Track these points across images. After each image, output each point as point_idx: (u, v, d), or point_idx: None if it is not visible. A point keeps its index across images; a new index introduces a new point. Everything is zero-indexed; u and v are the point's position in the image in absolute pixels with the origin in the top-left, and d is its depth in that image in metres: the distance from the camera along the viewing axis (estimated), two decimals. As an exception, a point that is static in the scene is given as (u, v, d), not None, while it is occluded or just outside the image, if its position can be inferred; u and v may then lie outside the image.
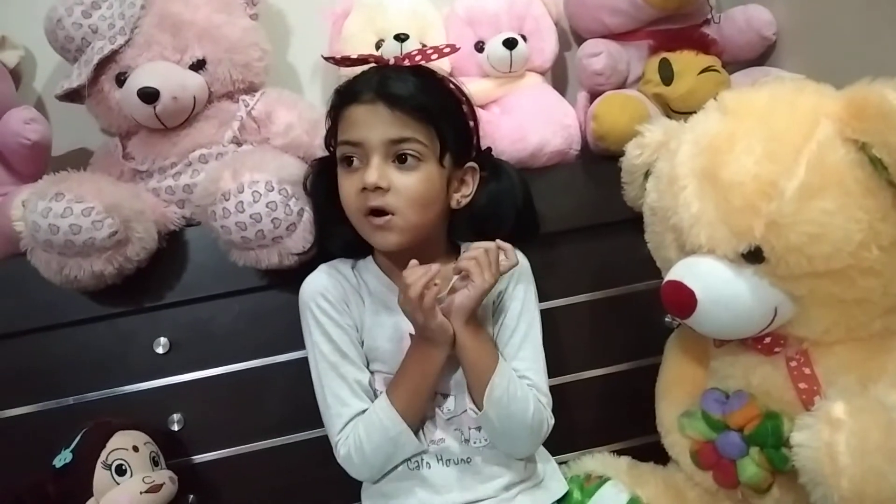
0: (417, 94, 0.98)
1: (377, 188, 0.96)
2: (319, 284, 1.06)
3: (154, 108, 1.18)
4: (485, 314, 1.07)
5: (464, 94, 1.08)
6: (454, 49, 1.07)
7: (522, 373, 1.04)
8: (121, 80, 1.22)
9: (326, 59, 1.08)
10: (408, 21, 1.36)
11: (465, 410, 1.04)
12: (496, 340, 1.07)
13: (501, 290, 1.08)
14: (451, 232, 1.11)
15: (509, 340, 1.06)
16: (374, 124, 0.97)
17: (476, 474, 1.05)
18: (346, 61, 1.05)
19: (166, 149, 1.23)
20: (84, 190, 1.05)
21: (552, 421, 1.05)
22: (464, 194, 1.06)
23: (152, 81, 1.17)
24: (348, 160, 1.00)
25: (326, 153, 1.09)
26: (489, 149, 1.14)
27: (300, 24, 1.53)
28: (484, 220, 1.07)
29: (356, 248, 1.09)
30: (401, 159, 0.98)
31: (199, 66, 1.24)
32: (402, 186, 0.97)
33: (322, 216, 1.11)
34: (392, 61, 1.03)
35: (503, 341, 1.07)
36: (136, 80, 1.18)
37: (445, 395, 1.05)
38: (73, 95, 1.26)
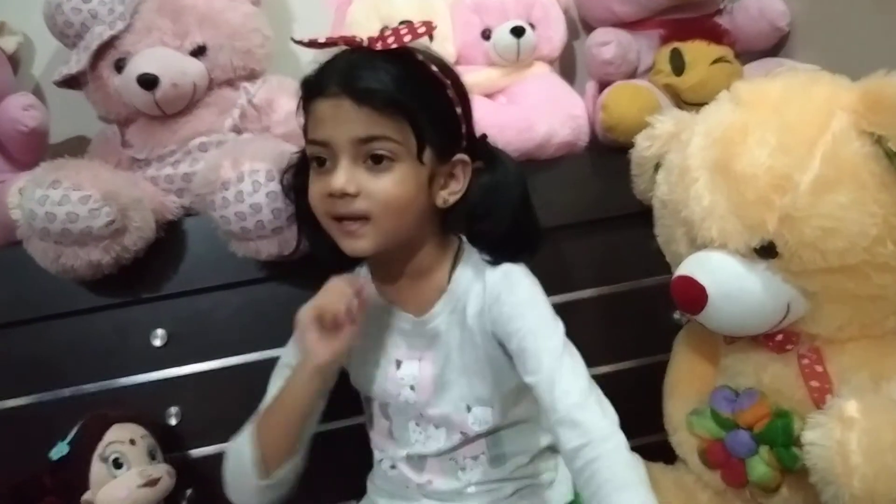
0: (388, 86, 0.87)
1: (345, 194, 0.87)
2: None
3: (153, 94, 1.16)
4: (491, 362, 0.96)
5: (450, 77, 0.93)
6: (430, 28, 0.93)
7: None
8: (120, 66, 1.20)
9: (296, 41, 0.96)
10: (413, 8, 1.34)
11: (460, 445, 1.00)
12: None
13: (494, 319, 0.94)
14: (449, 228, 1.00)
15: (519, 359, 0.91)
16: (339, 122, 0.87)
17: (475, 492, 1.01)
18: (314, 45, 0.93)
19: (165, 136, 1.21)
20: (82, 178, 1.03)
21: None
22: (452, 191, 0.94)
23: (152, 68, 1.15)
24: (318, 160, 0.91)
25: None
26: (484, 136, 1.01)
27: (303, 10, 1.51)
28: (476, 219, 0.95)
29: (343, 254, 1.00)
30: (373, 159, 0.87)
31: (199, 52, 1.22)
32: (374, 190, 0.87)
33: (303, 219, 1.02)
34: (366, 42, 0.91)
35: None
36: (136, 67, 1.16)
37: (437, 427, 1.01)
38: (71, 82, 1.24)
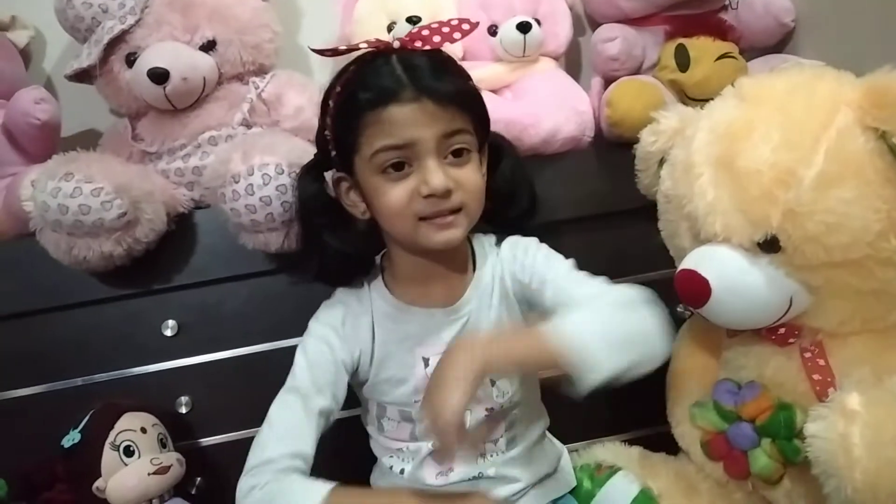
0: (457, 84, 0.91)
1: (446, 191, 0.89)
2: (331, 318, 1.01)
3: (164, 88, 1.17)
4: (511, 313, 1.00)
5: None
6: (473, 26, 0.93)
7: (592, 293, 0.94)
8: (130, 60, 1.21)
9: (315, 51, 0.99)
10: (420, 3, 1.35)
11: (485, 421, 1.00)
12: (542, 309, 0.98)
13: (515, 274, 1.00)
14: None
15: (554, 287, 0.97)
16: (424, 123, 0.88)
17: (490, 482, 1.01)
18: (338, 52, 0.95)
19: (176, 130, 1.22)
20: (94, 170, 1.05)
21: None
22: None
23: (162, 62, 1.16)
24: (396, 166, 0.89)
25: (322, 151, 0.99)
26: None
27: (311, 5, 1.52)
28: (504, 202, 1.02)
29: (337, 275, 1.03)
30: (455, 153, 0.90)
31: (209, 46, 1.23)
32: (465, 181, 0.91)
33: (311, 233, 1.02)
34: (397, 44, 0.91)
35: (550, 299, 0.97)
36: (146, 61, 1.17)
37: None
38: (82, 76, 1.25)
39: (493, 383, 1.00)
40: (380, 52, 0.92)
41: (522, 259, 1.00)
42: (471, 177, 0.92)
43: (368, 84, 0.90)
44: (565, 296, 0.95)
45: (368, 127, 0.89)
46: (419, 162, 0.89)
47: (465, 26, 0.93)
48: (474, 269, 1.02)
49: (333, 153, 0.95)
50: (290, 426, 0.94)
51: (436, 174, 0.88)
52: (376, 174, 0.91)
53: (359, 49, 0.93)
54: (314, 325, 1.01)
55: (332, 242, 0.99)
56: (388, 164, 0.89)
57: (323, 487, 0.87)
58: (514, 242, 1.03)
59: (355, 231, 0.99)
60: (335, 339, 0.99)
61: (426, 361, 0.99)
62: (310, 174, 1.02)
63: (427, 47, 0.91)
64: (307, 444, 0.93)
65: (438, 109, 0.88)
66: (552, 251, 1.02)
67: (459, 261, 1.01)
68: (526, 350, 0.84)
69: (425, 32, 0.92)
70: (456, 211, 0.91)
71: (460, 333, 0.99)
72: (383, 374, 1.00)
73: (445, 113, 0.88)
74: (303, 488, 0.88)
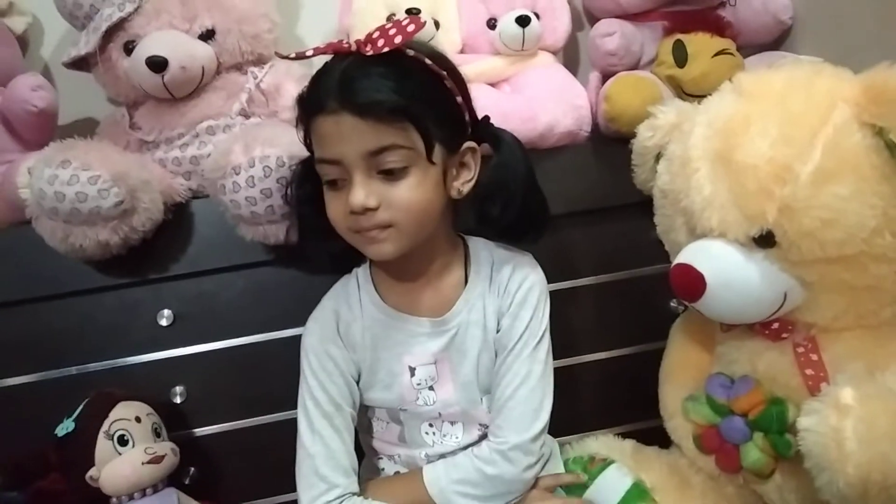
0: (386, 95, 0.84)
1: (367, 209, 0.86)
2: (326, 330, 0.99)
3: (162, 77, 1.16)
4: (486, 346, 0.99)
5: (444, 67, 0.91)
6: (419, 26, 0.86)
7: (501, 402, 0.96)
8: (129, 48, 1.20)
9: (281, 56, 0.94)
10: (419, -4, 1.34)
11: (481, 439, 1.00)
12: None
13: (503, 311, 0.98)
14: (453, 223, 1.00)
15: (504, 360, 0.97)
16: (345, 138, 0.85)
17: None
18: (300, 56, 0.89)
19: (174, 119, 1.21)
20: (91, 158, 1.04)
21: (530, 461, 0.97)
22: (466, 180, 0.94)
23: (161, 50, 1.16)
24: (331, 180, 0.90)
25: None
26: (487, 118, 0.99)
27: (310, -4, 1.51)
28: (487, 203, 0.95)
29: (344, 262, 1.03)
30: (385, 170, 0.86)
31: (208, 35, 1.23)
32: (394, 199, 0.86)
33: (306, 227, 1.02)
34: (354, 47, 0.86)
35: (499, 363, 0.98)
36: (145, 49, 1.17)
37: (453, 423, 1.02)
38: (80, 63, 1.25)
39: (482, 400, 1.00)
40: (336, 56, 0.89)
41: (509, 309, 0.98)
42: (403, 194, 0.87)
43: (310, 91, 0.90)
44: (497, 401, 0.98)
45: (311, 134, 0.90)
46: (350, 176, 0.87)
47: (410, 27, 0.86)
48: (468, 280, 1.00)
49: None
50: (333, 448, 0.96)
51: (356, 192, 0.86)
52: (324, 183, 0.92)
53: (306, 56, 0.89)
54: (311, 341, 1.00)
55: (302, 230, 1.02)
56: (326, 178, 0.90)
57: None
58: (517, 276, 0.99)
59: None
60: (336, 350, 0.99)
61: (412, 371, 0.99)
62: (304, 164, 1.00)
63: (371, 52, 0.85)
64: (352, 458, 0.97)
65: (360, 123, 0.84)
66: (534, 334, 0.98)
67: (446, 269, 0.99)
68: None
69: (375, 35, 0.86)
70: (386, 226, 0.88)
71: (448, 346, 0.98)
72: (372, 378, 1.00)
73: (368, 127, 0.84)
74: None
